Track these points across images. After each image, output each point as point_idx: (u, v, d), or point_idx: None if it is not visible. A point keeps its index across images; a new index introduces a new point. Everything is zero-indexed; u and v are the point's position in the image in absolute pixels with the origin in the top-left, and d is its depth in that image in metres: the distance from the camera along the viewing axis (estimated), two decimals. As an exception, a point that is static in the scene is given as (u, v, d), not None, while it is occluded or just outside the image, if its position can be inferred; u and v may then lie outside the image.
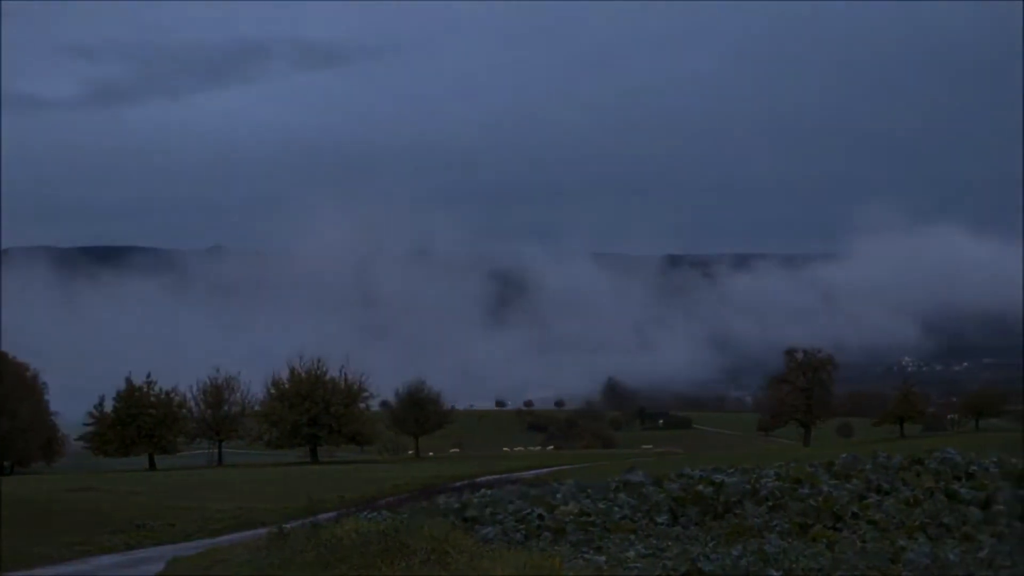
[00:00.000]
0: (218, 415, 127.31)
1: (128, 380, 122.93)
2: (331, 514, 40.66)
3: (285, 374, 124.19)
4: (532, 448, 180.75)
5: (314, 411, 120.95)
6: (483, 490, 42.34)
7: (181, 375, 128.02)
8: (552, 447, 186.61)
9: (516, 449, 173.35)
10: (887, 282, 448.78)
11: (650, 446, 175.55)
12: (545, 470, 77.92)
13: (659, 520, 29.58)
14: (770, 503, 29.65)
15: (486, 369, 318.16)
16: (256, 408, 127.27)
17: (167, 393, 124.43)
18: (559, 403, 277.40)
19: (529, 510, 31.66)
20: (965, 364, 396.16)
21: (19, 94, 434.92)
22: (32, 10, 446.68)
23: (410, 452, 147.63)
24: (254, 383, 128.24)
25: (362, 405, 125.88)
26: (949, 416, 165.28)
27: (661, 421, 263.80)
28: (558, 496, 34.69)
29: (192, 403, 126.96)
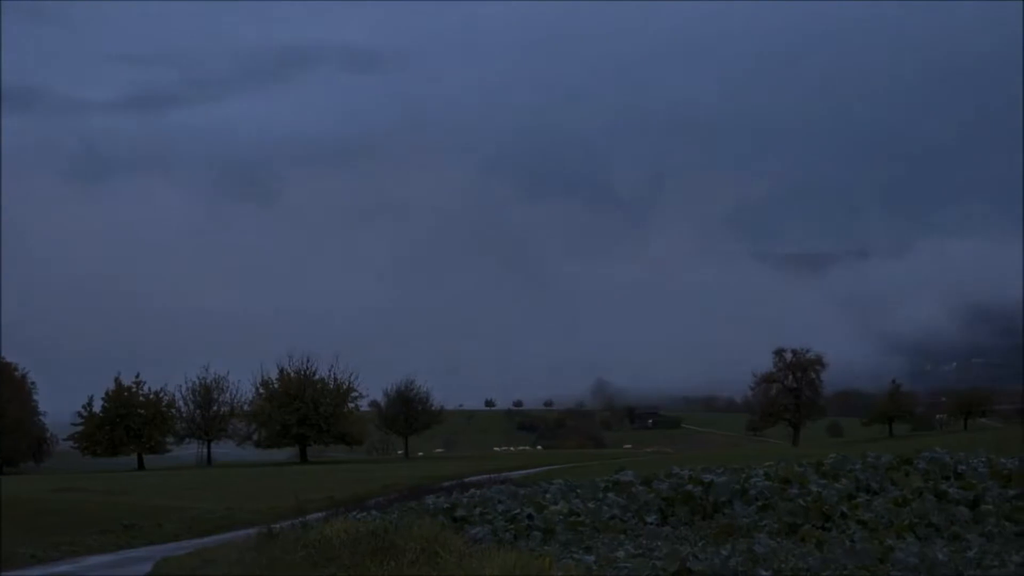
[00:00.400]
0: (207, 415, 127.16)
1: (117, 380, 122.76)
2: (320, 514, 40.63)
3: (274, 374, 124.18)
4: (521, 448, 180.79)
5: (303, 411, 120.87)
6: (472, 490, 42.36)
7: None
8: (541, 447, 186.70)
9: (503, 448, 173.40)
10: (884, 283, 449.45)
11: (629, 446, 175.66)
12: (534, 470, 77.94)
13: (648, 520, 29.60)
14: (759, 503, 29.67)
15: (480, 368, 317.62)
16: (245, 408, 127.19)
17: (156, 393, 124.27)
18: (548, 403, 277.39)
19: (519, 510, 31.68)
20: (954, 364, 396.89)
21: (63, 97, 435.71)
22: (76, 14, 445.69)
23: (399, 452, 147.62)
24: (243, 383, 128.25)
25: (351, 405, 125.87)
26: (938, 416, 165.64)
27: (651, 421, 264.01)
28: (547, 496, 34.72)
29: (181, 403, 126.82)
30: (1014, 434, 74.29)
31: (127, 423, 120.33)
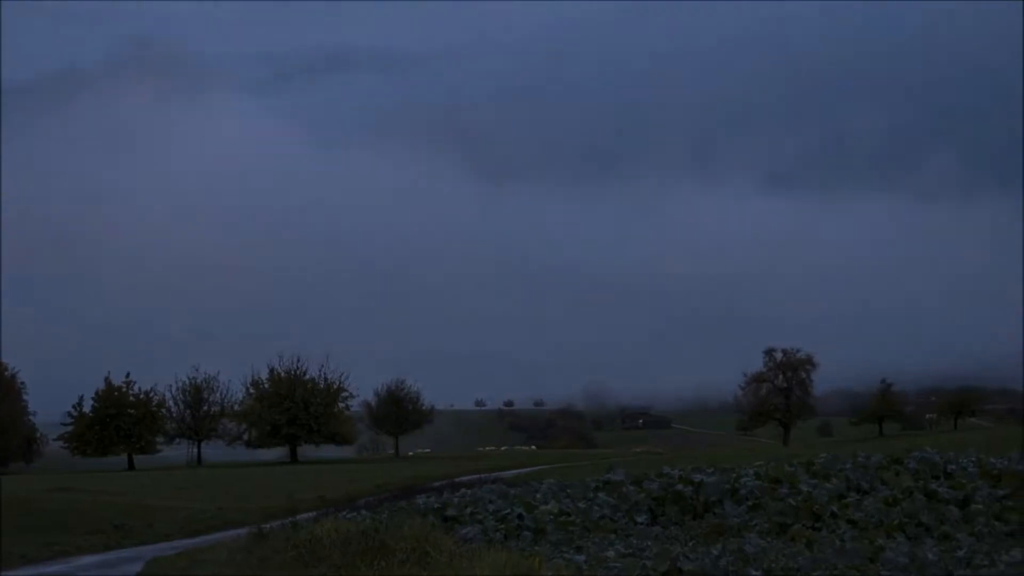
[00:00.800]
0: (197, 415, 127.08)
1: (107, 380, 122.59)
2: (311, 514, 40.63)
3: (265, 373, 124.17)
4: (506, 447, 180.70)
5: (293, 411, 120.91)
6: (463, 490, 42.40)
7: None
8: (534, 447, 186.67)
9: (492, 448, 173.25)
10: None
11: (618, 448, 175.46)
12: (525, 470, 77.97)
13: (639, 519, 29.64)
14: (749, 502, 29.72)
15: (473, 368, 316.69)
16: (235, 408, 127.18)
17: (146, 393, 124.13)
18: (539, 403, 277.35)
19: (509, 510, 31.70)
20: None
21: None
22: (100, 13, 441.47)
23: (390, 452, 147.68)
24: (234, 383, 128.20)
25: (341, 405, 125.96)
26: (928, 415, 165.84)
27: (640, 421, 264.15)
28: (538, 496, 34.76)
29: (171, 403, 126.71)
30: (1006, 434, 74.45)
31: (117, 423, 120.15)
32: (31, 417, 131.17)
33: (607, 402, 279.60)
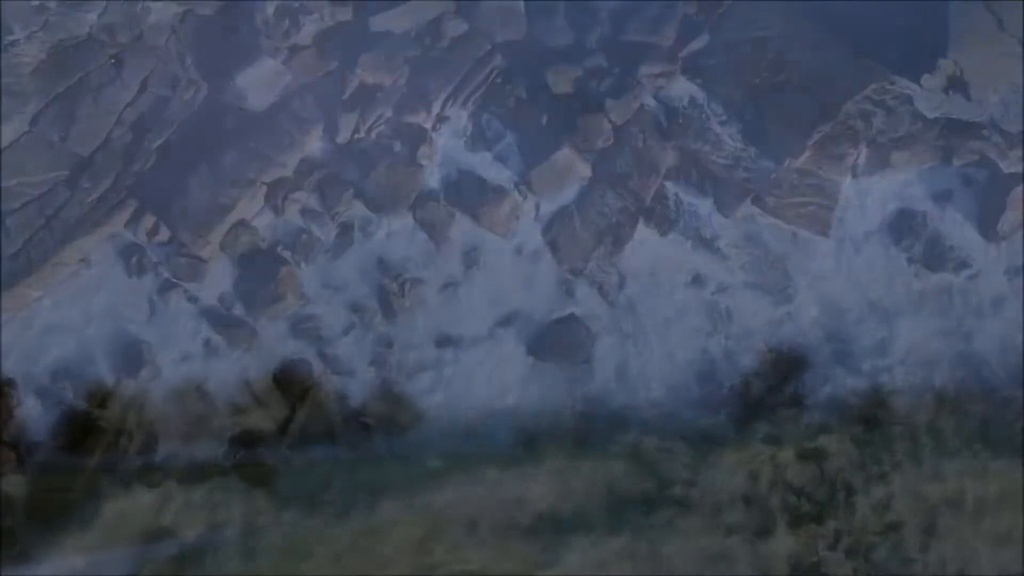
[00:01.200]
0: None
1: (97, 380, 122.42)
2: (303, 514, 40.45)
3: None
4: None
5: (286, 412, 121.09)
6: (458, 487, 42.30)
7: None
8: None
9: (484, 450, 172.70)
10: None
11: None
12: (518, 469, 77.72)
13: (633, 519, 29.62)
14: (742, 502, 29.71)
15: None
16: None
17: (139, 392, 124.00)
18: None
19: (504, 509, 31.66)
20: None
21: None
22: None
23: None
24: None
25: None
26: (920, 416, 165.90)
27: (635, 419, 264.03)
28: (532, 495, 34.70)
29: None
30: (1001, 434, 74.30)
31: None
32: (21, 418, 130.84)
33: (604, 401, 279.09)
